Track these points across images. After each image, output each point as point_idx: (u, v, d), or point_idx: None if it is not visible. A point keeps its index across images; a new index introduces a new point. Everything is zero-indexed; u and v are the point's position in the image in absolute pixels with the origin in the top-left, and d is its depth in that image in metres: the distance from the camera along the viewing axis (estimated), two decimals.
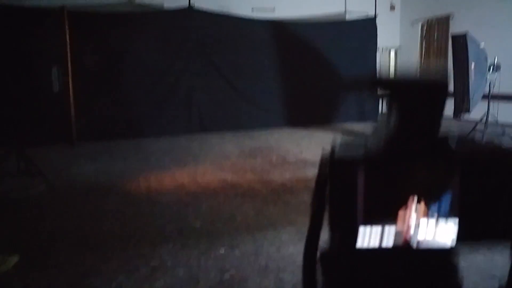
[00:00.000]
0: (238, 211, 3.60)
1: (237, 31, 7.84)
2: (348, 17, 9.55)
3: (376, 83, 1.38)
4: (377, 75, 1.33)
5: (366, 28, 8.84)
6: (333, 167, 0.96)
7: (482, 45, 6.04)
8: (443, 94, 0.99)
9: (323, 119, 8.56)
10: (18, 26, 5.96)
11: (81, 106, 6.39)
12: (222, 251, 2.80)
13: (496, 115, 6.43)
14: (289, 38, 8.27)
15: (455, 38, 6.25)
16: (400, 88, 0.99)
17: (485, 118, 6.28)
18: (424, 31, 9.97)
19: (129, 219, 3.44)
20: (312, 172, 4.73)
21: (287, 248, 2.84)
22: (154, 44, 7.32)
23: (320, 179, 0.99)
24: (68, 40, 4.16)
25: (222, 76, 7.85)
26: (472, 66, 5.83)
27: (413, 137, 0.96)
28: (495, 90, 6.21)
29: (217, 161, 5.54)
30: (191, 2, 7.50)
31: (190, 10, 7.45)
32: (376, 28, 8.83)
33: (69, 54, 4.10)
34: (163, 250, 2.83)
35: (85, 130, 6.51)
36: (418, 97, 0.95)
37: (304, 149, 6.21)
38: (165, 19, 7.47)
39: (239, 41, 7.87)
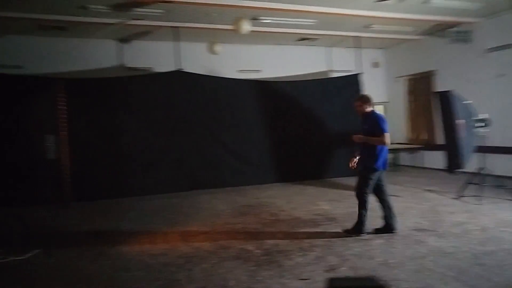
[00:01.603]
0: (231, 274, 3.70)
1: (225, 91, 8.40)
2: (333, 75, 10.32)
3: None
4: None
5: (351, 84, 9.48)
6: None
7: (468, 102, 6.52)
8: None
9: (314, 174, 8.86)
10: (18, 95, 6.42)
11: (76, 169, 6.64)
12: None
13: (491, 168, 6.64)
14: (276, 96, 8.83)
15: (440, 95, 6.68)
16: None
17: (481, 171, 6.51)
18: (409, 87, 10.72)
19: (122, 285, 3.51)
20: (306, 232, 4.92)
21: None
22: (146, 106, 7.80)
23: None
24: (65, 107, 4.54)
25: (211, 135, 8.25)
26: (461, 122, 6.22)
27: None
28: (487, 144, 6.49)
29: (208, 220, 5.69)
30: (179, 65, 8.08)
31: (179, 72, 8.01)
32: (360, 84, 9.50)
33: (65, 122, 4.47)
34: None
35: (80, 191, 6.69)
36: None
37: (297, 206, 6.40)
38: (156, 81, 8.00)
39: (228, 100, 8.40)
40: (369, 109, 4.68)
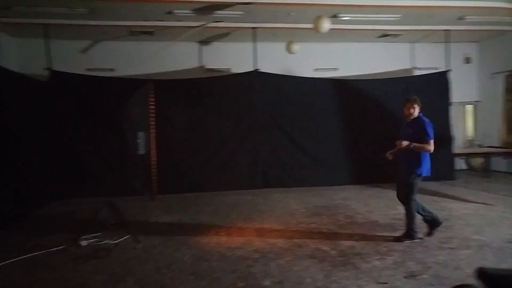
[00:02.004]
0: (307, 273, 3.79)
1: (301, 91, 8.51)
2: (416, 73, 9.80)
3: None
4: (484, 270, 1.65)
5: (437, 82, 8.94)
6: None
7: None
8: None
9: (391, 177, 8.50)
10: (113, 95, 7.26)
11: (162, 164, 7.29)
12: None
13: None
14: (353, 95, 8.67)
15: None
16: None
17: None
18: (509, 84, 9.72)
19: (202, 273, 3.81)
20: (383, 236, 4.81)
21: None
22: (224, 106, 8.24)
23: None
24: (153, 106, 5.08)
25: (285, 134, 8.44)
26: None
27: None
28: None
29: (282, 218, 5.83)
30: (256, 66, 8.36)
31: (256, 73, 8.31)
32: (449, 82, 8.91)
33: (154, 120, 5.01)
34: None
35: (164, 185, 7.33)
36: None
37: (373, 210, 6.26)
38: (234, 82, 8.40)
39: (304, 100, 8.49)
40: (418, 112, 4.66)
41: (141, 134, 5.13)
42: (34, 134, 6.80)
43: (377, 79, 9.20)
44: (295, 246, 4.55)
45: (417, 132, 4.51)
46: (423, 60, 10.06)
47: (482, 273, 1.57)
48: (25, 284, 3.66)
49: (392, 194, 7.44)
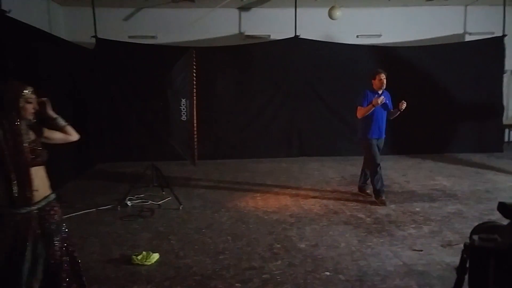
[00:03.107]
0: (341, 237, 3.90)
1: (340, 58, 8.23)
2: (468, 38, 9.19)
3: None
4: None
5: (490, 48, 8.38)
6: (472, 252, 1.36)
7: None
8: None
9: (433, 148, 8.28)
10: (157, 62, 7.47)
11: (202, 130, 7.54)
12: (327, 273, 3.15)
13: None
14: (395, 63, 8.26)
15: None
16: None
17: None
18: None
19: (241, 234, 4.02)
20: (420, 205, 4.79)
21: (393, 280, 3.04)
22: (263, 73, 8.21)
23: (462, 260, 1.43)
24: (195, 75, 5.20)
25: (324, 103, 8.32)
26: None
27: None
28: None
29: (318, 186, 5.92)
30: (296, 32, 8.18)
31: (296, 39, 8.15)
32: (504, 49, 8.32)
33: (195, 87, 5.13)
34: (272, 266, 3.30)
35: (203, 151, 7.59)
36: None
37: (411, 180, 6.18)
38: (273, 48, 8.29)
39: (342, 68, 8.22)
40: None
41: (183, 101, 5.29)
42: (82, 101, 7.20)
43: (423, 46, 8.73)
44: (331, 213, 4.65)
45: (389, 101, 5.22)
46: (477, 24, 9.34)
47: (503, 206, 1.60)
48: (80, 235, 4.04)
49: (431, 164, 7.34)
